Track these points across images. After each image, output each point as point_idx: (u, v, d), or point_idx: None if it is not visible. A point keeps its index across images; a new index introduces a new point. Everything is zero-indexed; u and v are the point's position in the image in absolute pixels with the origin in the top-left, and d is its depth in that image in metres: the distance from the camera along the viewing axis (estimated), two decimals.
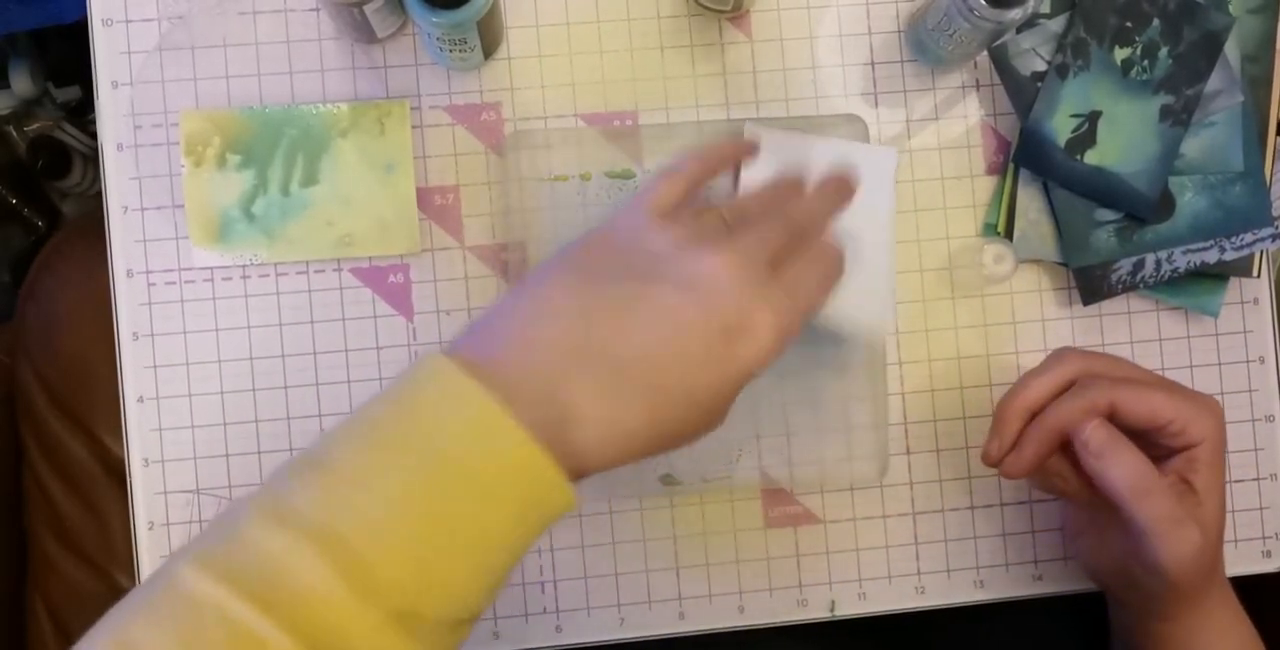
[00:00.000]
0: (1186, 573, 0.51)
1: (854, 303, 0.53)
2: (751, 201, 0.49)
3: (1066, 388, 0.53)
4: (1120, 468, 0.50)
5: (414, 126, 0.62)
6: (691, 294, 0.42)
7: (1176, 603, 0.53)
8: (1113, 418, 0.52)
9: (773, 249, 0.45)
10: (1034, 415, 0.53)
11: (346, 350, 0.62)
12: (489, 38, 0.58)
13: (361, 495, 0.37)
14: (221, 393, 0.61)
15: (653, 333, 0.42)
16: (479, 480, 0.38)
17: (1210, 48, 0.62)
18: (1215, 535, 0.52)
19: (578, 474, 0.40)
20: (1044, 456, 0.53)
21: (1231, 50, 0.63)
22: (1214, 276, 0.64)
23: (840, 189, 0.51)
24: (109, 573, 0.70)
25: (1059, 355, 0.55)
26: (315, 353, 0.61)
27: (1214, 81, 0.62)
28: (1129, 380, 0.53)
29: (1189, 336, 0.65)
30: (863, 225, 0.52)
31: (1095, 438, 0.50)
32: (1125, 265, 0.63)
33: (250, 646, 0.34)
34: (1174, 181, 0.63)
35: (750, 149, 0.55)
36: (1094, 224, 0.62)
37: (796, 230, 0.47)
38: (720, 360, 0.42)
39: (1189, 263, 0.62)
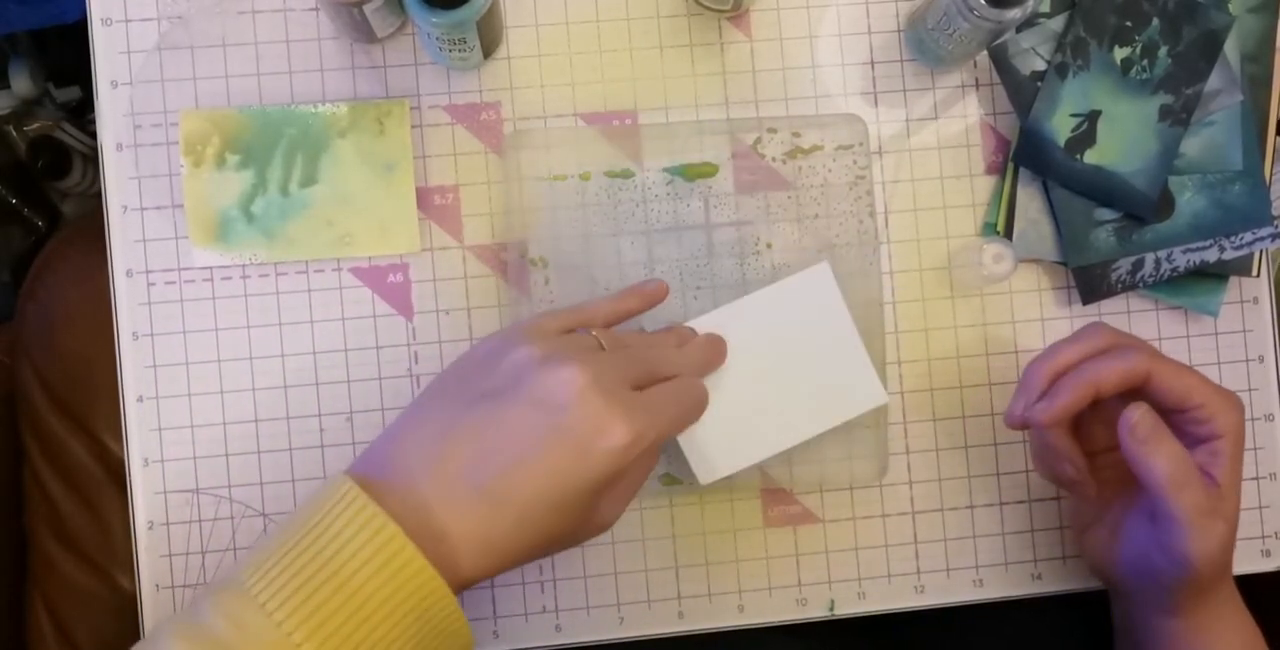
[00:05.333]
0: (1209, 565, 0.51)
1: (844, 395, 0.57)
2: (631, 336, 0.53)
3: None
4: (1162, 455, 0.50)
5: (414, 126, 0.62)
6: (544, 409, 0.45)
7: (1189, 597, 0.53)
8: (1144, 391, 0.52)
9: (634, 375, 0.48)
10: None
11: (346, 350, 0.62)
12: (488, 37, 0.58)
13: (269, 619, 0.41)
14: (221, 392, 0.61)
15: (508, 451, 0.44)
16: (379, 601, 0.42)
17: (1210, 47, 0.62)
18: (1234, 524, 0.52)
19: (459, 586, 0.44)
20: (1073, 409, 0.52)
21: (1231, 50, 0.63)
22: (1213, 276, 0.64)
23: (712, 350, 0.55)
24: (109, 573, 0.70)
25: (1092, 327, 0.55)
26: (315, 352, 0.61)
27: (1213, 81, 0.62)
28: (1165, 357, 0.53)
29: (1188, 336, 0.65)
30: (822, 334, 0.57)
31: (1145, 422, 0.50)
32: (1125, 264, 0.63)
33: None
34: (1173, 181, 0.63)
35: (661, 295, 0.55)
36: (1093, 223, 0.62)
37: (661, 367, 0.50)
38: (577, 471, 0.45)
39: (1188, 262, 0.62)
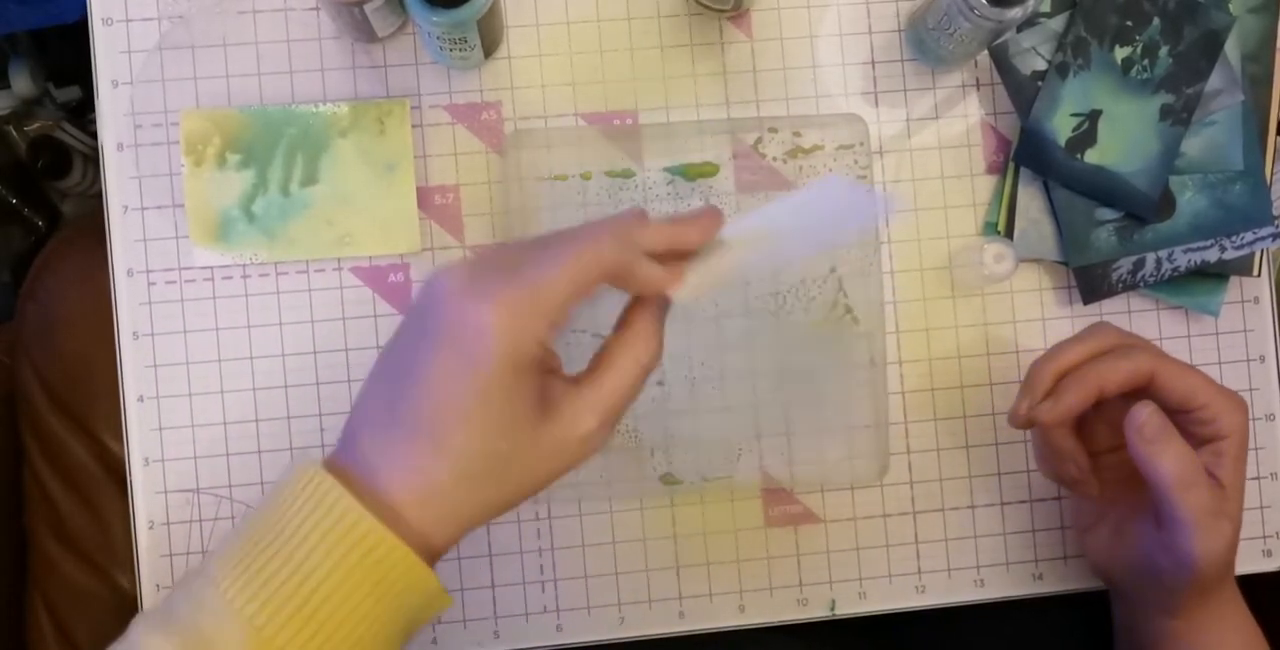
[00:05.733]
0: (1214, 566, 0.51)
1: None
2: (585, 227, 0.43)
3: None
4: (1170, 456, 0.49)
5: (414, 126, 0.62)
6: (416, 317, 0.41)
7: (1192, 597, 0.53)
8: (1148, 391, 0.52)
9: (528, 257, 0.41)
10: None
11: (346, 349, 0.61)
12: (489, 37, 0.58)
13: (217, 589, 0.39)
14: (221, 392, 0.61)
15: (404, 378, 0.41)
16: (320, 556, 0.39)
17: (1210, 47, 0.62)
18: (1238, 525, 0.52)
19: (421, 545, 0.40)
20: (1078, 409, 0.52)
21: (1231, 49, 0.63)
22: (1214, 275, 0.64)
23: (708, 218, 0.45)
24: (109, 573, 0.70)
25: (1096, 327, 0.55)
26: (315, 352, 0.61)
27: (1214, 81, 0.62)
28: (1170, 357, 0.53)
29: (1189, 335, 0.65)
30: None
31: (1153, 422, 0.50)
32: (1125, 264, 0.63)
33: None
34: (1174, 181, 0.63)
35: (718, 221, 0.45)
36: (1094, 223, 0.62)
37: (608, 270, 0.41)
38: (460, 367, 0.40)
39: (1189, 262, 0.62)
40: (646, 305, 0.43)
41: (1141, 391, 0.52)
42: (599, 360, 0.43)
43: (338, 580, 0.39)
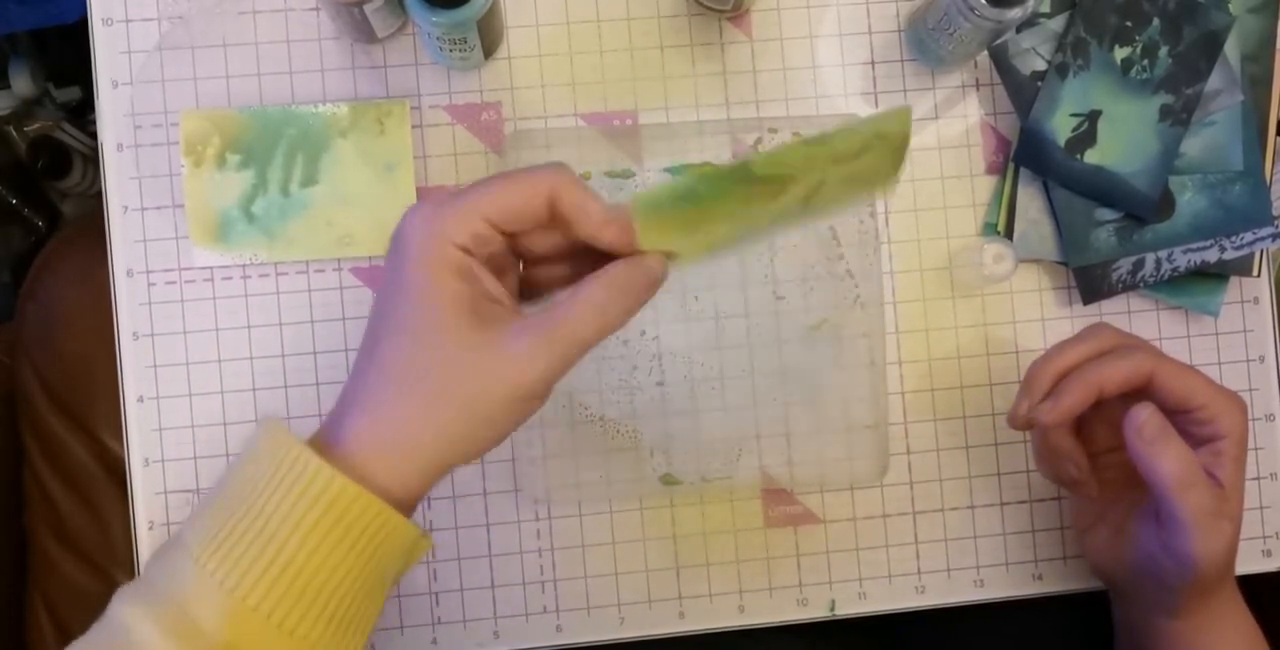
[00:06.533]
0: (1214, 566, 0.51)
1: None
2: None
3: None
4: (1169, 456, 0.49)
5: (414, 126, 0.62)
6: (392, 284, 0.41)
7: (1192, 597, 0.53)
8: (1147, 392, 0.52)
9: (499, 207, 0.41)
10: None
11: (346, 350, 0.62)
12: (489, 37, 0.58)
13: (187, 553, 0.39)
14: (221, 392, 0.61)
15: (372, 316, 0.42)
16: (307, 525, 0.39)
17: (1210, 47, 0.62)
18: (1238, 525, 0.52)
19: (402, 493, 0.40)
20: (1077, 409, 0.52)
21: (1231, 50, 0.63)
22: (1214, 276, 0.64)
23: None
24: (109, 573, 0.70)
25: (1095, 328, 0.55)
26: (315, 352, 0.61)
27: (1214, 81, 0.62)
28: (1169, 357, 0.53)
29: (1189, 336, 0.65)
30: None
31: (1152, 423, 0.50)
32: (1125, 265, 0.63)
33: None
34: (1174, 181, 0.63)
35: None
36: (1094, 223, 0.62)
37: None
38: (389, 285, 0.41)
39: (1189, 262, 0.62)
40: (634, 264, 0.42)
41: (1140, 392, 0.52)
42: (558, 297, 0.42)
43: (314, 542, 0.39)
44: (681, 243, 0.43)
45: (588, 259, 0.43)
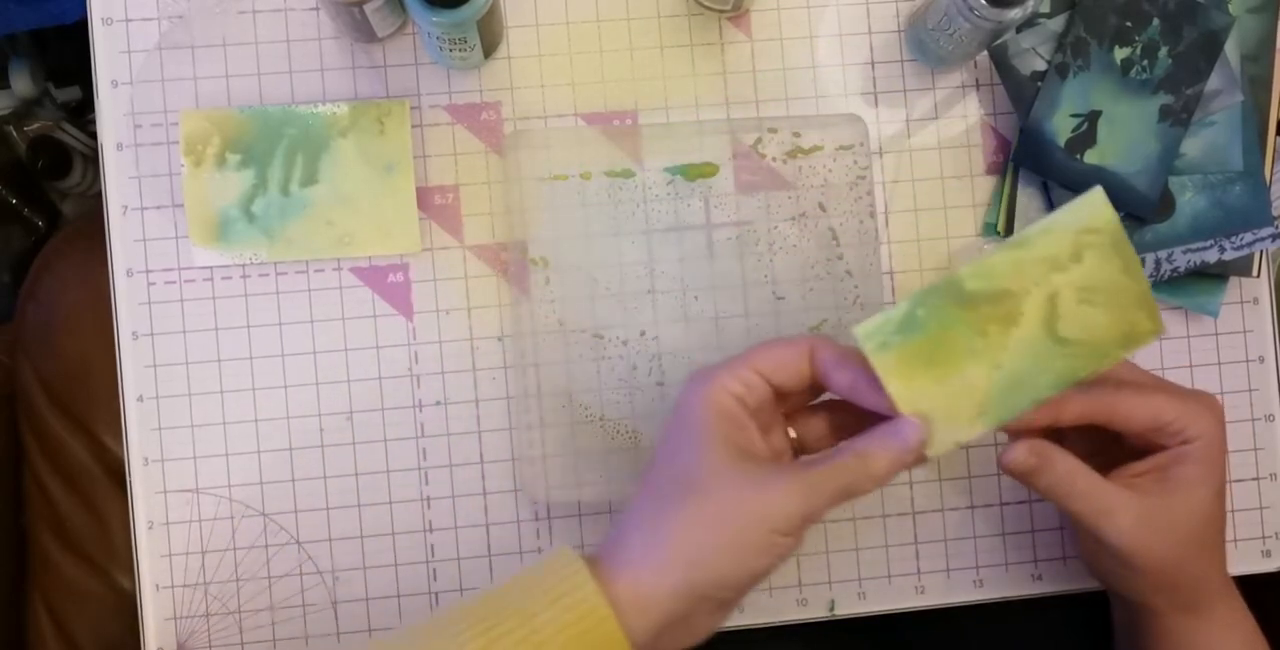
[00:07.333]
0: (1165, 562, 0.51)
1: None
2: None
3: None
4: (1075, 500, 0.50)
5: (414, 126, 0.62)
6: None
7: (1162, 594, 0.53)
8: (1113, 422, 0.51)
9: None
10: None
11: (346, 350, 0.62)
12: (489, 37, 0.59)
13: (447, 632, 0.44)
14: (221, 392, 0.61)
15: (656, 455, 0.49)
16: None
17: (1210, 47, 0.62)
18: (1198, 528, 0.52)
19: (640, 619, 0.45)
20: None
21: (1231, 50, 0.63)
22: (1214, 276, 0.64)
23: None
24: (109, 573, 0.70)
25: None
26: (315, 352, 0.61)
27: (1214, 81, 0.62)
28: (1131, 383, 0.53)
29: (1189, 336, 0.65)
30: None
31: (1019, 463, 0.50)
32: None
33: None
34: (1174, 181, 0.63)
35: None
36: None
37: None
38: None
39: (1189, 262, 0.62)
40: (888, 437, 0.47)
41: (1105, 423, 0.52)
42: (819, 455, 0.48)
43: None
44: (937, 391, 0.46)
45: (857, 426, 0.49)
